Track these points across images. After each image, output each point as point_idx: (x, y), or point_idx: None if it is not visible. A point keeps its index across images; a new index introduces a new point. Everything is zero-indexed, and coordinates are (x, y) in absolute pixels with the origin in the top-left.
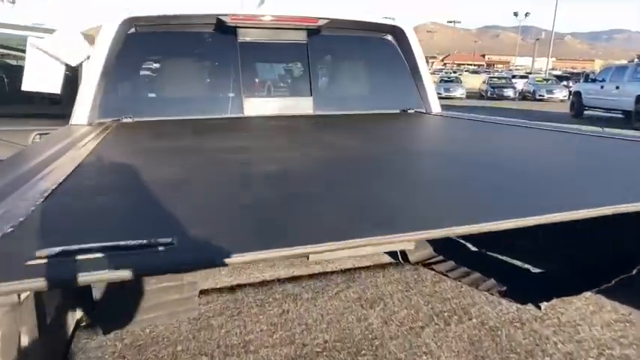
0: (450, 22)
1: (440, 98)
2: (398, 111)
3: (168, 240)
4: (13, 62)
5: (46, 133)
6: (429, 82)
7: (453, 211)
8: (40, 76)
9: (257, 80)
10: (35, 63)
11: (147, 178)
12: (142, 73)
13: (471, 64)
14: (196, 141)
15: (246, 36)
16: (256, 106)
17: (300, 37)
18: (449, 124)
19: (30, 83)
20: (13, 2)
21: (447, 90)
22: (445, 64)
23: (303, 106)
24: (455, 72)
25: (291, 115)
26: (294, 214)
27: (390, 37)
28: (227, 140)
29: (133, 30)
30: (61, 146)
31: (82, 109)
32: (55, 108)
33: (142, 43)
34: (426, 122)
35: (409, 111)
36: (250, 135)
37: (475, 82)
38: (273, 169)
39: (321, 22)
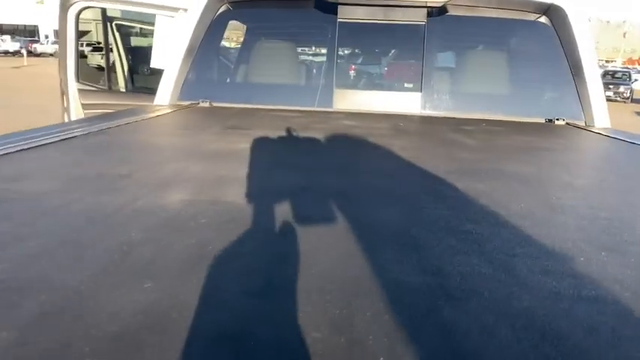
0: None
1: None
2: (543, 120)
3: None
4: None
5: None
6: (595, 83)
7: None
8: (168, 54)
9: (354, 68)
10: (162, 41)
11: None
12: (227, 54)
13: None
14: (249, 160)
15: (348, 15)
16: (349, 100)
17: (417, 17)
18: (622, 154)
19: (158, 61)
20: None
21: None
22: None
23: (408, 103)
24: None
25: (392, 115)
26: None
27: (544, 20)
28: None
29: (223, 7)
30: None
31: (164, 90)
32: None
33: (231, 22)
34: (581, 146)
35: (557, 122)
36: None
37: None
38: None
39: None
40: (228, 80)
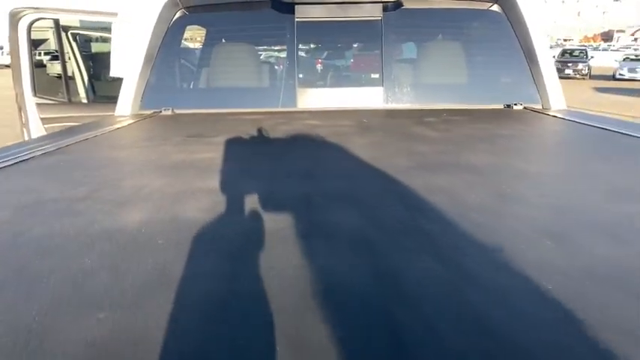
0: None
1: (622, 80)
2: (501, 106)
3: None
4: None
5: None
6: (548, 67)
7: None
8: (127, 62)
9: (315, 66)
10: (120, 48)
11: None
12: (188, 59)
13: None
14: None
15: (305, 14)
16: (312, 98)
17: (373, 12)
18: (576, 137)
19: (117, 69)
20: None
21: (631, 70)
22: (636, 38)
23: (370, 98)
24: None
25: (356, 110)
26: None
27: (496, 8)
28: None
29: (179, 12)
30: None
31: (124, 100)
32: None
33: (188, 27)
34: (538, 130)
35: (515, 107)
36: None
37: None
38: None
39: None
40: (189, 86)
